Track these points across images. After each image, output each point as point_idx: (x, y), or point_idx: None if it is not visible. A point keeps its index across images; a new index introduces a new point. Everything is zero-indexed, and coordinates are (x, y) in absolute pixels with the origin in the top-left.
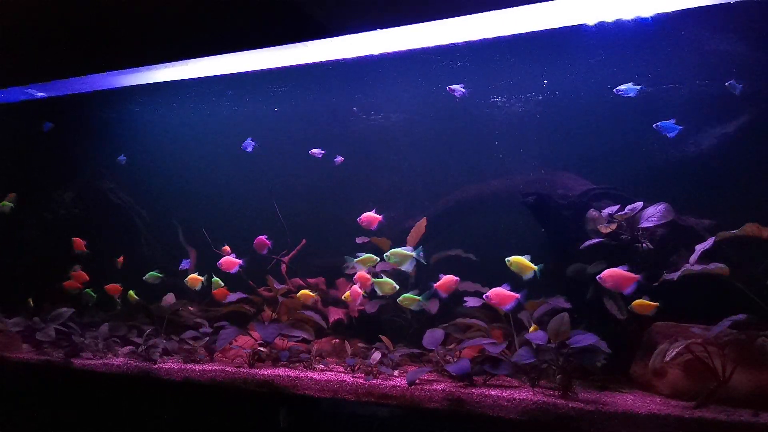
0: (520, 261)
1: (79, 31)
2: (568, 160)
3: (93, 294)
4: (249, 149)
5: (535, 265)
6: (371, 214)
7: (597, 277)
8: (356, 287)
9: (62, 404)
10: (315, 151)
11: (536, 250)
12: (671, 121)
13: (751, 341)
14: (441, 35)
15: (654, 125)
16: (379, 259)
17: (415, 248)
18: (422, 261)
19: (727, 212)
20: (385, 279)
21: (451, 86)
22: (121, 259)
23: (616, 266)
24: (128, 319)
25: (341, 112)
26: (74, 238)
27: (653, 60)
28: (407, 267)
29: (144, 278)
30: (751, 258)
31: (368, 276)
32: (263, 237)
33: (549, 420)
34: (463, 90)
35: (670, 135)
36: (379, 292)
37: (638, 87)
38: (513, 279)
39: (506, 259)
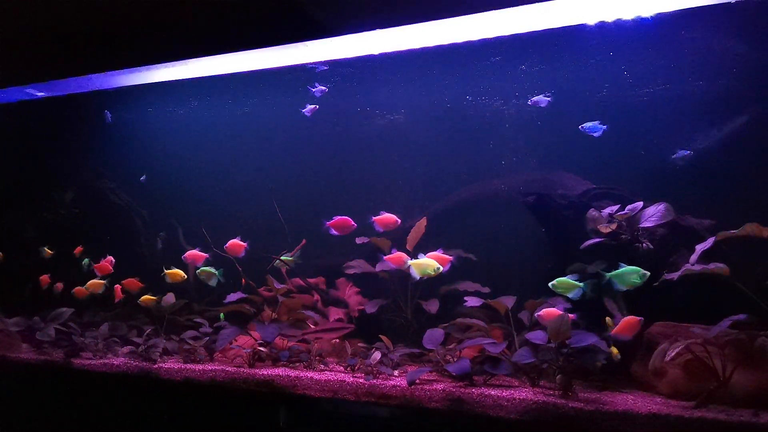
0: None
1: (79, 31)
2: (568, 160)
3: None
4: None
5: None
6: (236, 241)
7: (535, 314)
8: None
9: (62, 404)
10: None
11: (536, 250)
12: (596, 123)
13: (751, 341)
14: (441, 35)
15: (580, 127)
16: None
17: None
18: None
19: (727, 212)
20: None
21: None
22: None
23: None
24: (128, 319)
25: (342, 112)
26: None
27: (653, 60)
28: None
29: None
30: (751, 258)
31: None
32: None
33: (549, 420)
34: (324, 88)
35: (596, 135)
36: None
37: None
38: (512, 281)
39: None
